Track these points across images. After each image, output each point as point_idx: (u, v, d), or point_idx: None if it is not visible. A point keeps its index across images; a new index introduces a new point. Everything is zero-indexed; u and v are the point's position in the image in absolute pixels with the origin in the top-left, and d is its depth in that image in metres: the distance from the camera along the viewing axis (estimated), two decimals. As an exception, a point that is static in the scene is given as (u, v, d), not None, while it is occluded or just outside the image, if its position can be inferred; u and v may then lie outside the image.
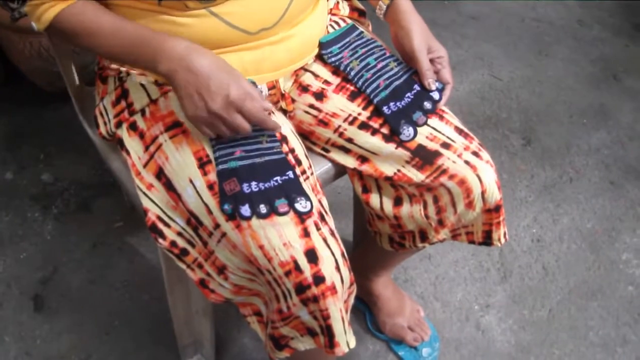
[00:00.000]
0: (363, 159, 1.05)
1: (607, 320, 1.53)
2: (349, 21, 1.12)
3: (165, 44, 0.87)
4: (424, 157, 1.00)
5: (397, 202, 1.07)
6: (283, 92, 1.06)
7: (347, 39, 1.08)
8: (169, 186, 0.94)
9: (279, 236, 0.86)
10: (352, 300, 0.97)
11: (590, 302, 1.56)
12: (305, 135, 1.09)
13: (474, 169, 1.00)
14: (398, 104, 1.02)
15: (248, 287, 0.97)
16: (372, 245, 1.23)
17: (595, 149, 1.97)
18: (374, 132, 1.02)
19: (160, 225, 0.96)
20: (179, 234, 0.96)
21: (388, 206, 1.07)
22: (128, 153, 0.99)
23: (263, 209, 0.87)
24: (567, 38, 2.40)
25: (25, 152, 1.81)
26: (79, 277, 1.53)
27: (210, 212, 0.90)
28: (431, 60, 1.04)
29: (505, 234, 1.09)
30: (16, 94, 1.96)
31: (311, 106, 1.06)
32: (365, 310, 1.47)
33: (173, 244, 0.96)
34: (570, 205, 1.79)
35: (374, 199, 1.08)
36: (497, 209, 1.04)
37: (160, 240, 0.96)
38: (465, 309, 1.53)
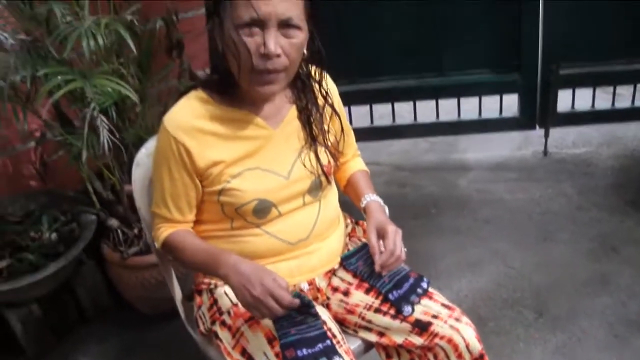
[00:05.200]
0: (381, 334, 1.48)
1: None
2: (363, 239, 1.61)
3: (221, 257, 1.36)
4: (421, 327, 1.42)
5: None
6: (318, 287, 1.53)
7: (361, 253, 1.55)
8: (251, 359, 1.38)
9: None
10: None
11: None
12: (340, 321, 1.53)
13: (457, 330, 1.41)
14: (399, 291, 1.46)
15: None
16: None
17: (600, 311, 2.26)
18: (384, 313, 1.47)
19: None
20: None
21: None
22: (221, 341, 1.44)
23: None
24: (568, 223, 2.79)
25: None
26: None
27: None
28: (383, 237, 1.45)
29: None
30: (121, 318, 2.44)
31: (341, 301, 1.53)
32: None
33: None
34: (581, 361, 2.04)
35: None
36: (481, 357, 1.42)
37: None
38: None
